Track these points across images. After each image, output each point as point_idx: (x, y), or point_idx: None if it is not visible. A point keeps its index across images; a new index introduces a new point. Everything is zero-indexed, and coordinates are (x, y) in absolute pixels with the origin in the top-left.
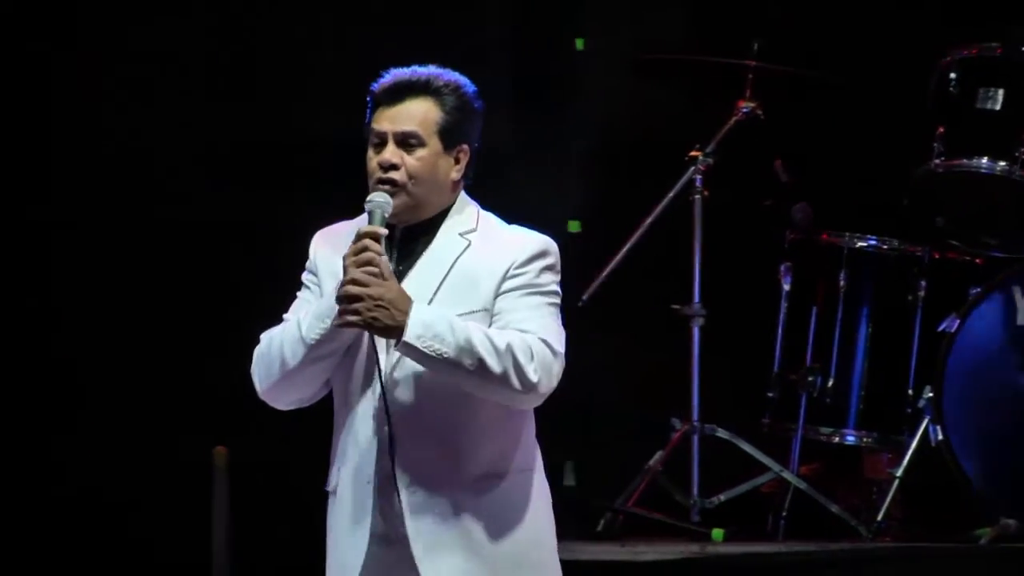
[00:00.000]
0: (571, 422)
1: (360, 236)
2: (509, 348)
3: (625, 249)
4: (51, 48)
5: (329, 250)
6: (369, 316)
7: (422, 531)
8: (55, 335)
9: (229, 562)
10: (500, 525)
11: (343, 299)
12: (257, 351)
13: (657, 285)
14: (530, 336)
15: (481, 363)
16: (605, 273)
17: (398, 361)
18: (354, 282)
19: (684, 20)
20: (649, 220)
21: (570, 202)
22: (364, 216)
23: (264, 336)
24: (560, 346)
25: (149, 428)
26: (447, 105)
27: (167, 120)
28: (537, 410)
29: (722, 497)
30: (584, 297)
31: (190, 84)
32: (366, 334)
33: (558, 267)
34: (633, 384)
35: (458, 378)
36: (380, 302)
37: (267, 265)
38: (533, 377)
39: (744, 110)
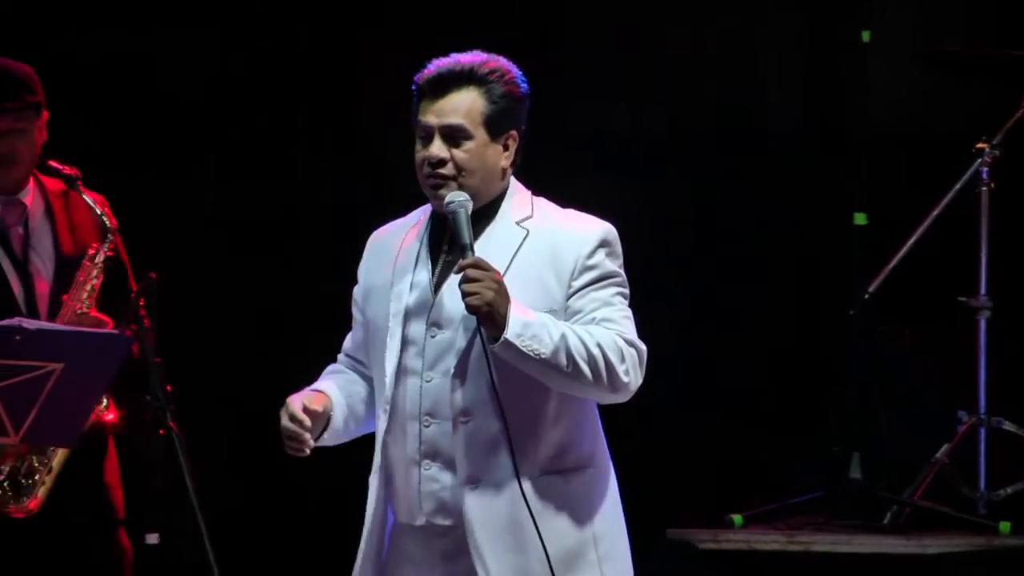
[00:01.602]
0: (857, 414)
1: (462, 267)
2: (601, 349)
3: (911, 241)
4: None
5: (372, 262)
6: (490, 297)
7: (481, 522)
8: None
9: None
10: (563, 519)
11: (468, 275)
12: None
13: (943, 277)
14: (616, 334)
15: (575, 365)
16: (891, 266)
17: (466, 348)
18: (476, 265)
19: (967, 11)
20: (935, 212)
21: (856, 194)
22: (415, 213)
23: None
24: (639, 341)
25: None
26: (493, 93)
27: None
28: (826, 400)
29: (1009, 490)
30: (870, 289)
31: None
32: (394, 329)
33: (619, 251)
34: (919, 376)
35: (551, 378)
36: (500, 288)
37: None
38: (624, 378)
39: None
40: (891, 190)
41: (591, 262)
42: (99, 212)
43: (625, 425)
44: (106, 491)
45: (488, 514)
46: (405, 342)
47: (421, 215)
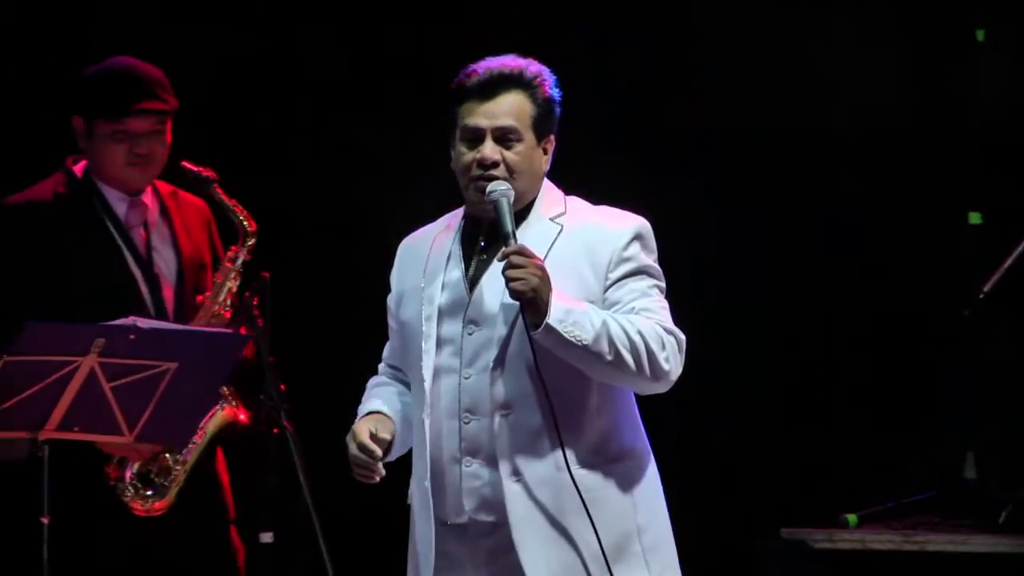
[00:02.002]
0: (972, 414)
1: (507, 255)
2: (642, 337)
3: None
4: None
5: (403, 268)
6: (535, 283)
7: (524, 516)
8: None
9: None
10: (606, 511)
11: (512, 261)
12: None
13: None
14: (655, 322)
15: (617, 352)
16: (1006, 265)
17: (505, 343)
18: (521, 252)
19: None
20: None
21: (971, 193)
22: (444, 218)
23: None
24: (678, 330)
25: None
26: (538, 97)
27: None
28: (941, 400)
29: None
30: (984, 289)
31: None
32: (428, 334)
33: (654, 245)
34: None
35: (592, 366)
36: (543, 274)
37: None
38: (665, 365)
39: None
40: (1006, 189)
41: (627, 254)
42: (240, 216)
43: (741, 425)
44: (220, 491)
45: (531, 507)
46: (440, 342)
47: (451, 219)
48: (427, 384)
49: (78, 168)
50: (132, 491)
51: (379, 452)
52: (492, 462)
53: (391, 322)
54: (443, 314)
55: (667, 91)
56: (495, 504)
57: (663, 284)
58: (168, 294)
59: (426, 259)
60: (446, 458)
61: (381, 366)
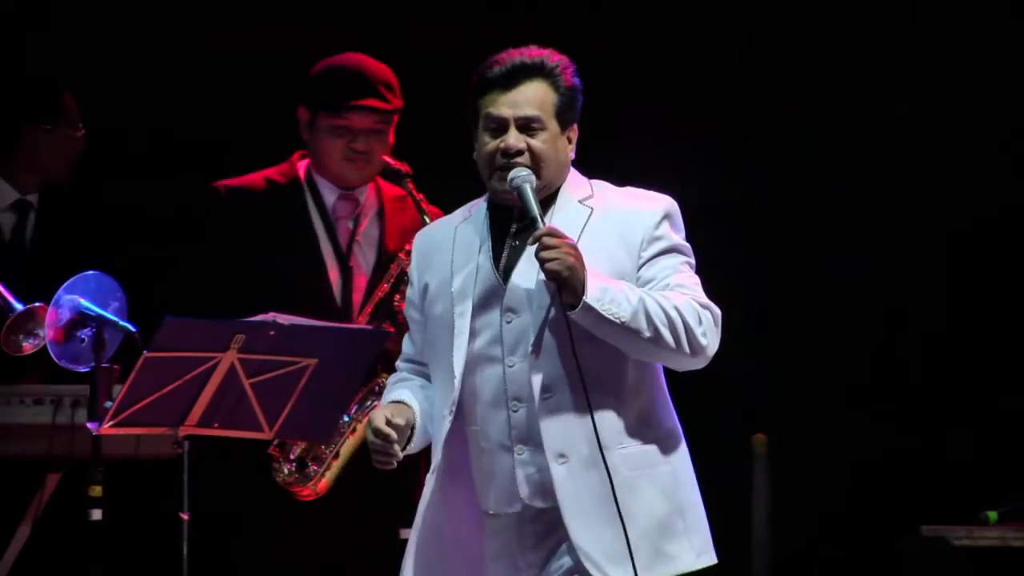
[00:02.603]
0: None
1: (538, 237)
2: (679, 312)
3: None
4: None
5: (424, 262)
6: (569, 262)
7: (572, 497)
8: None
9: (769, 547)
10: (650, 490)
11: (544, 243)
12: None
13: None
14: (691, 298)
15: (655, 329)
16: None
17: (541, 324)
18: (552, 233)
19: None
20: None
21: None
22: (461, 210)
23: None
24: (713, 304)
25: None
26: (560, 86)
27: None
28: None
29: None
30: None
31: None
32: (460, 321)
33: (681, 224)
34: None
35: (631, 343)
36: (577, 254)
37: None
38: (703, 340)
39: None
40: None
41: (658, 233)
42: (426, 213)
43: (883, 422)
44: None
45: (579, 489)
46: (476, 333)
47: (469, 211)
48: (457, 381)
49: (301, 164)
50: (287, 473)
51: (394, 436)
52: (541, 448)
53: (413, 315)
54: (477, 306)
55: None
56: (548, 489)
57: (693, 260)
58: (360, 284)
59: (452, 251)
60: (493, 448)
61: (400, 363)
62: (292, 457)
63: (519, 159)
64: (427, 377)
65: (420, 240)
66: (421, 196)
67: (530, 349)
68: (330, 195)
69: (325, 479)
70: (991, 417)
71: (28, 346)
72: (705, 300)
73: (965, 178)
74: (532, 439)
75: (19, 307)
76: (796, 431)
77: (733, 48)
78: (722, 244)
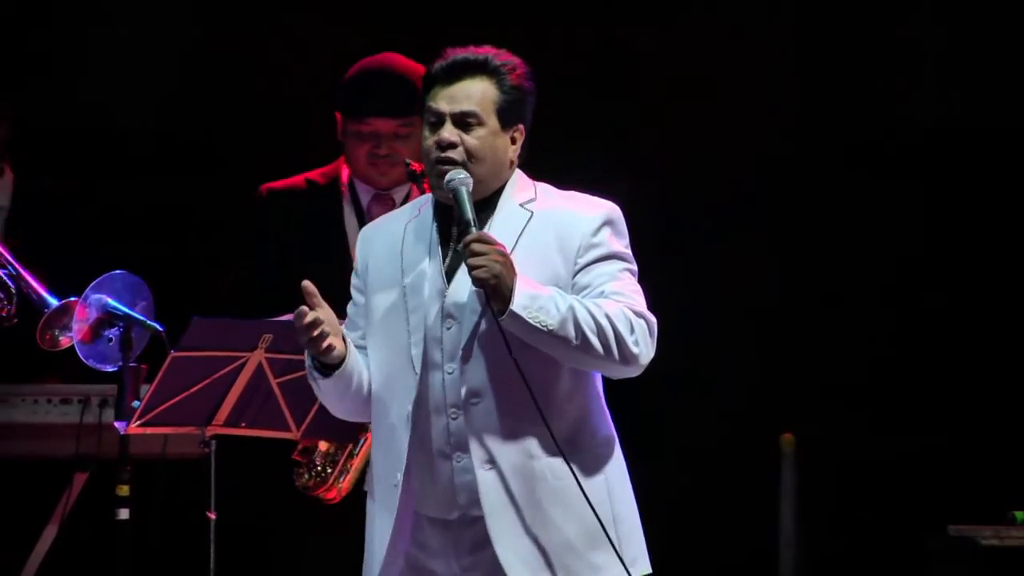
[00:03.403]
0: None
1: (467, 243)
2: (610, 320)
3: None
4: None
5: (370, 255)
6: (497, 269)
7: (496, 505)
8: None
9: (796, 546)
10: (577, 501)
11: (473, 249)
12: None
13: None
14: (625, 306)
15: (584, 337)
16: None
17: (475, 330)
18: (481, 239)
19: None
20: None
21: None
22: (408, 206)
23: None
24: (649, 313)
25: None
26: (505, 84)
27: None
28: None
29: None
30: None
31: None
32: (408, 315)
33: (624, 230)
34: None
35: (560, 351)
36: (506, 261)
37: None
38: (635, 349)
39: None
40: None
41: (596, 240)
42: None
43: (910, 422)
44: None
45: (505, 497)
46: (427, 336)
47: (418, 209)
48: (417, 376)
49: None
50: (308, 476)
51: (307, 310)
52: (465, 451)
53: (358, 302)
54: (426, 308)
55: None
56: (470, 494)
57: (634, 268)
58: None
59: (401, 248)
60: (433, 454)
61: None
62: (317, 461)
63: (451, 152)
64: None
65: (368, 232)
66: None
67: (470, 356)
68: (365, 196)
69: (348, 480)
70: (1020, 416)
71: (66, 340)
72: (641, 308)
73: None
74: (468, 446)
75: (54, 302)
76: (824, 430)
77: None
78: (742, 241)
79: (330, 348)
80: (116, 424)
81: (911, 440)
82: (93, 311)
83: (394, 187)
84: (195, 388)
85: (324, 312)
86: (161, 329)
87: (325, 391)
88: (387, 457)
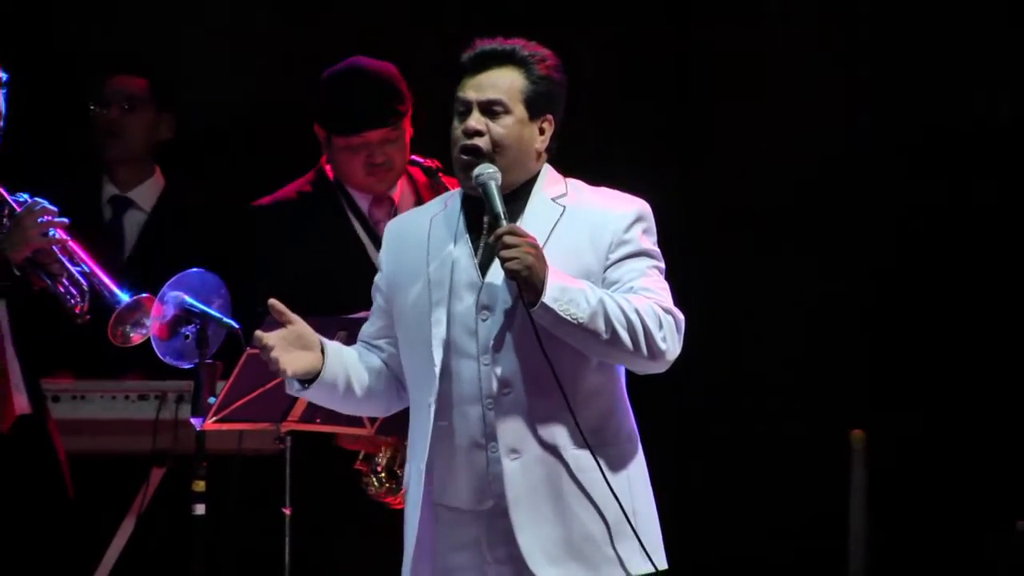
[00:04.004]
0: None
1: (499, 235)
2: (639, 315)
3: None
4: None
5: (396, 250)
6: (529, 261)
7: (522, 499)
8: None
9: (866, 543)
10: (599, 494)
11: (504, 241)
12: None
13: None
14: (653, 302)
15: (614, 331)
16: None
17: (508, 321)
18: (513, 232)
19: None
20: None
21: None
22: (435, 201)
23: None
24: (676, 309)
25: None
26: (533, 75)
27: None
28: None
29: None
30: None
31: None
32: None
33: (654, 227)
34: None
35: (589, 344)
36: (538, 253)
37: None
38: (662, 345)
39: None
40: None
41: (627, 236)
42: None
43: (974, 416)
44: None
45: (528, 485)
46: (452, 329)
47: (444, 203)
48: (437, 368)
49: (330, 167)
50: (378, 485)
51: (261, 335)
52: (493, 443)
53: (380, 302)
54: (455, 298)
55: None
56: (495, 485)
57: (663, 265)
58: None
59: (427, 241)
60: (466, 445)
61: (355, 345)
62: (379, 469)
63: (478, 140)
64: (374, 353)
65: (393, 227)
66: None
67: (504, 347)
68: (363, 201)
69: None
70: None
71: (137, 336)
72: (669, 305)
73: None
74: (487, 427)
75: (125, 298)
76: (893, 426)
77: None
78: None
79: (312, 363)
80: (192, 420)
81: (978, 435)
82: (170, 308)
83: (389, 189)
84: (270, 384)
85: (297, 327)
86: (237, 327)
87: (313, 399)
88: (418, 447)
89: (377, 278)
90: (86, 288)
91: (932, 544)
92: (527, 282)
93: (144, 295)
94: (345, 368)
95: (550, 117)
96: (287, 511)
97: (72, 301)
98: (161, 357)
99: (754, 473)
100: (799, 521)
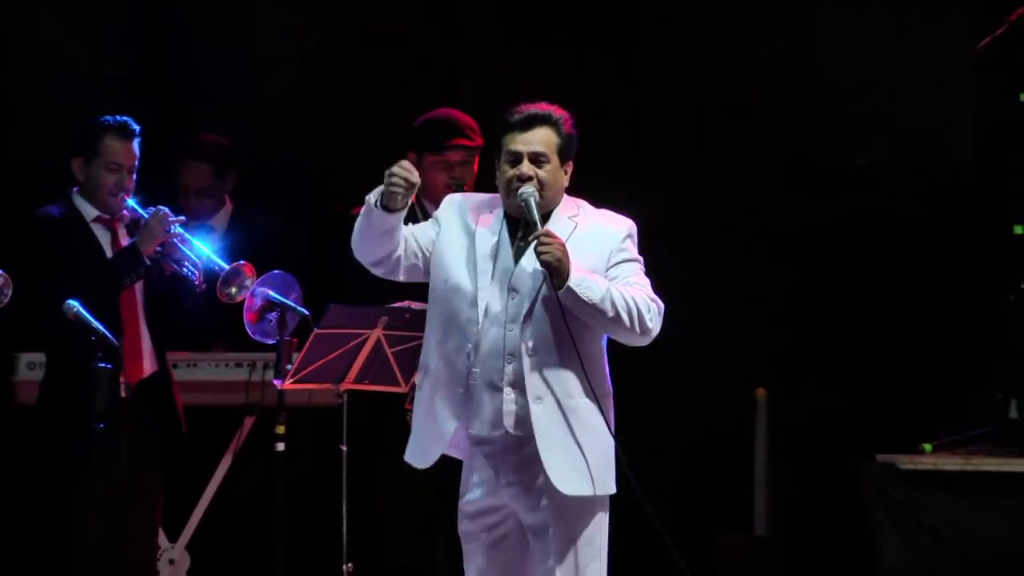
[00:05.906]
0: (1017, 369)
1: (537, 236)
2: (635, 301)
3: None
4: None
5: (452, 218)
6: (559, 254)
7: (545, 429)
8: None
9: (769, 500)
10: (594, 435)
11: (541, 240)
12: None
13: None
14: (645, 294)
15: (617, 312)
16: None
17: (532, 301)
18: (547, 234)
19: None
20: None
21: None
22: (490, 199)
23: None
24: (659, 299)
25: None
26: (562, 132)
27: None
28: (995, 359)
29: None
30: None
31: None
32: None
33: (637, 240)
34: None
35: (597, 320)
36: (564, 250)
37: None
38: (650, 325)
39: None
40: None
41: (622, 246)
42: None
43: (857, 371)
44: None
45: (549, 422)
46: (490, 303)
47: (494, 205)
48: (479, 326)
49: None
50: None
51: (412, 169)
52: (523, 392)
53: (430, 232)
54: (493, 280)
55: None
56: (525, 423)
57: (643, 268)
58: None
59: (474, 229)
60: (487, 388)
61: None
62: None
63: (528, 184)
64: (405, 240)
65: (456, 199)
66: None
67: (524, 319)
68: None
69: None
70: (933, 374)
71: (241, 296)
72: (654, 295)
73: None
74: (518, 384)
75: (225, 265)
76: (786, 388)
77: None
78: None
79: (404, 204)
80: (275, 381)
81: (849, 384)
82: (259, 300)
83: None
84: (332, 355)
85: (416, 187)
86: (307, 313)
87: (375, 222)
88: (451, 383)
89: (434, 218)
90: (197, 261)
91: (816, 476)
92: (556, 271)
93: (242, 262)
94: (399, 226)
95: (571, 162)
96: (344, 448)
97: (192, 277)
98: (252, 336)
99: (677, 425)
100: (712, 466)
